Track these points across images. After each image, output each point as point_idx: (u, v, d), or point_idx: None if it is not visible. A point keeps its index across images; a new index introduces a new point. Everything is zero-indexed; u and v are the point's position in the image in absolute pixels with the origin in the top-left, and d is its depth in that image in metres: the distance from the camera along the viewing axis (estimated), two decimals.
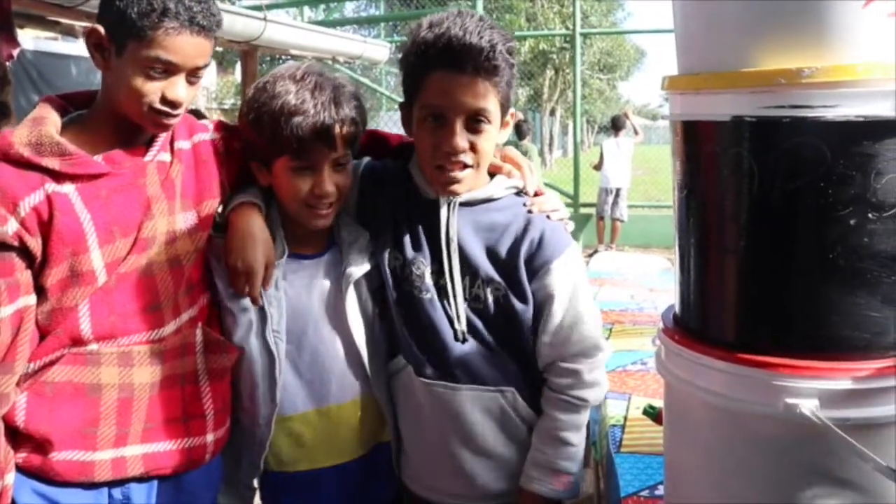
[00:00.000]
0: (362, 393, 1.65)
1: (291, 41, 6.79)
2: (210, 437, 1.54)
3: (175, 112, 1.41)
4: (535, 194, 1.65)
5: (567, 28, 14.37)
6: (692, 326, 1.15)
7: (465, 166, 1.51)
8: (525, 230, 1.56)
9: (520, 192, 1.65)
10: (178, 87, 1.40)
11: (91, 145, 1.43)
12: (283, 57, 8.53)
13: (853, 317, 1.00)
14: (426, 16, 1.55)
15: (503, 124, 1.56)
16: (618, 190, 9.96)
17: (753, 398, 1.02)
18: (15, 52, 3.58)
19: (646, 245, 9.48)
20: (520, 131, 9.52)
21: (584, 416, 1.63)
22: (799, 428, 0.99)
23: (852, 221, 0.97)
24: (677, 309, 1.21)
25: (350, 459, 1.66)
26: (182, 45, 1.38)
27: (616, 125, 10.41)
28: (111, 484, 1.46)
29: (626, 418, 2.09)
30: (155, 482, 1.50)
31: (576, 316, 1.58)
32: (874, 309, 1.00)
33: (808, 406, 0.98)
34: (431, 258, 1.58)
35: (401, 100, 1.65)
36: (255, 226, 1.54)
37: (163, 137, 1.51)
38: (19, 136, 1.37)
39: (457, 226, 1.56)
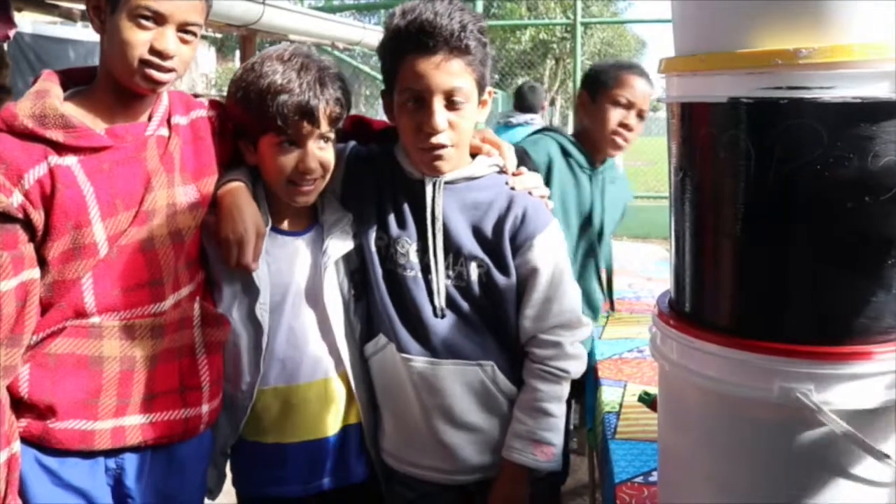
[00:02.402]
0: (333, 373, 1.68)
1: (291, 26, 6.76)
2: (205, 408, 1.58)
3: (164, 64, 1.41)
4: (515, 174, 1.71)
5: (568, 17, 14.31)
6: (687, 310, 1.15)
7: (447, 145, 1.56)
8: (509, 207, 1.62)
9: (502, 171, 1.70)
10: (166, 39, 1.40)
11: (92, 119, 1.45)
12: (283, 43, 8.50)
13: (849, 300, 1.00)
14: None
15: (481, 103, 1.62)
16: None
17: (748, 382, 1.02)
18: (11, 33, 3.55)
19: (644, 235, 9.44)
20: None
21: (565, 388, 1.68)
22: (793, 412, 0.99)
23: (849, 204, 0.96)
24: (672, 293, 1.20)
25: (317, 438, 1.68)
26: None
27: None
28: (107, 454, 1.49)
29: (621, 405, 2.10)
30: (148, 452, 1.53)
31: (557, 289, 1.64)
32: (870, 293, 0.99)
33: (802, 390, 0.97)
34: (417, 237, 1.63)
35: None
36: (242, 198, 1.58)
37: (161, 112, 1.53)
38: (23, 108, 1.38)
39: (442, 204, 1.61)
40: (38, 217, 1.38)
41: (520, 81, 9.71)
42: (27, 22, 7.63)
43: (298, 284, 1.64)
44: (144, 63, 1.40)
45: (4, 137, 1.37)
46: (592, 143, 2.43)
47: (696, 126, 1.09)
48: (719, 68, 1.02)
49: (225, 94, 1.68)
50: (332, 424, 1.69)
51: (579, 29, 9.18)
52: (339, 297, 1.66)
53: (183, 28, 1.42)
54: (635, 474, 1.73)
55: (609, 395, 2.16)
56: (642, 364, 2.41)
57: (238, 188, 1.59)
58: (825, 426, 0.97)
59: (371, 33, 8.45)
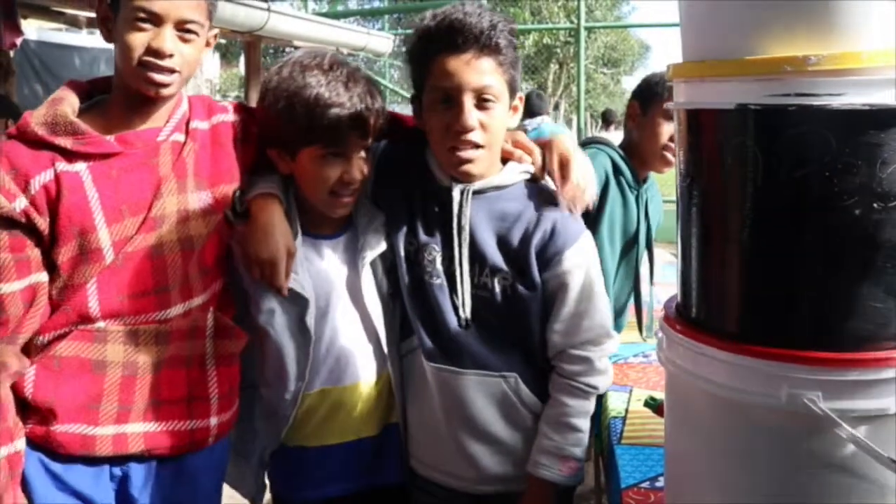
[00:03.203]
0: (377, 373, 1.67)
1: (295, 32, 6.78)
2: (213, 421, 1.56)
3: (163, 64, 1.42)
4: (558, 176, 1.63)
5: (571, 22, 14.33)
6: (694, 316, 1.14)
7: (477, 146, 1.53)
8: (538, 221, 1.58)
9: (534, 178, 1.66)
10: (162, 38, 1.41)
11: (106, 126, 1.46)
12: (287, 49, 8.52)
13: (856, 307, 1.00)
14: (429, 8, 1.56)
15: (512, 108, 1.59)
16: None
17: (756, 388, 1.01)
18: (18, 41, 3.58)
19: None
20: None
21: (591, 403, 1.65)
22: (801, 418, 0.98)
23: (857, 211, 0.96)
24: (679, 298, 1.20)
25: (359, 438, 1.67)
26: None
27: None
28: (112, 461, 1.49)
29: (627, 410, 2.10)
30: (154, 463, 1.52)
31: (588, 304, 1.60)
32: (878, 300, 0.99)
33: (810, 396, 0.97)
34: (443, 245, 1.60)
35: (404, 92, 1.67)
36: (276, 217, 1.56)
37: (178, 117, 1.53)
38: (36, 116, 1.42)
39: (469, 214, 1.58)
40: (42, 222, 1.40)
41: (523, 86, 9.70)
42: (32, 29, 7.66)
43: (339, 287, 1.63)
44: (144, 65, 1.41)
45: (16, 144, 1.41)
46: (640, 158, 2.30)
47: (703, 132, 1.09)
48: (727, 75, 1.02)
49: (228, 98, 1.68)
50: (376, 424, 1.69)
51: (583, 33, 9.19)
52: (378, 297, 1.65)
53: (182, 27, 1.43)
54: (641, 479, 1.73)
55: (614, 401, 2.15)
56: (647, 369, 2.41)
57: (272, 206, 1.57)
58: (833, 432, 0.97)
59: (375, 39, 8.48)
